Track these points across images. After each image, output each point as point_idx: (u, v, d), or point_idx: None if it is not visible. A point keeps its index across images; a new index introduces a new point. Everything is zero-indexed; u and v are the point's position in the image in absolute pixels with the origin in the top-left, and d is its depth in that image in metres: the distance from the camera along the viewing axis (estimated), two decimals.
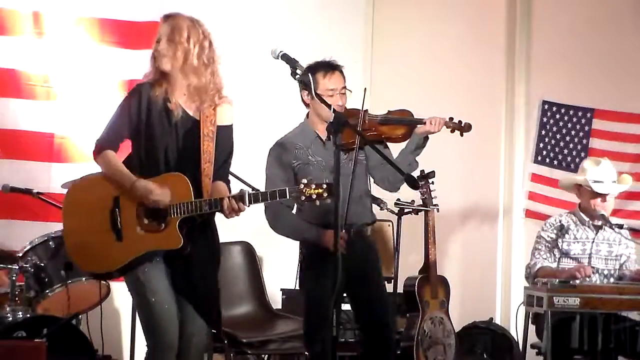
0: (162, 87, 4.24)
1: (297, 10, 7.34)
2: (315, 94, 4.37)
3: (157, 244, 4.20)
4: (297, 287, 5.99)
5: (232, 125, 4.36)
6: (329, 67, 5.00)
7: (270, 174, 4.97)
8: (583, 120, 7.11)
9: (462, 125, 5.20)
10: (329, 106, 4.42)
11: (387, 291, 5.33)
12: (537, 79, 7.33)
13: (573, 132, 7.15)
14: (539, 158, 7.27)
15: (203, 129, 4.26)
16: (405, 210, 6.49)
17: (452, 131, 5.20)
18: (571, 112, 7.18)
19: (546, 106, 7.26)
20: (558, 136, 7.20)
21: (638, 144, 6.91)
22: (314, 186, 4.12)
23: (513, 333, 6.47)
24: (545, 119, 7.26)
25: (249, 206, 4.17)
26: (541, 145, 7.27)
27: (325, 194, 4.12)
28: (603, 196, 5.86)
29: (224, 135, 4.32)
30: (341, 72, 5.02)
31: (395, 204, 6.27)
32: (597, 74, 7.03)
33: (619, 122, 6.97)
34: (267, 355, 6.30)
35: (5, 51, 6.49)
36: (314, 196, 4.13)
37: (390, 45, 7.56)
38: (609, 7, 7.06)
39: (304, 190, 4.13)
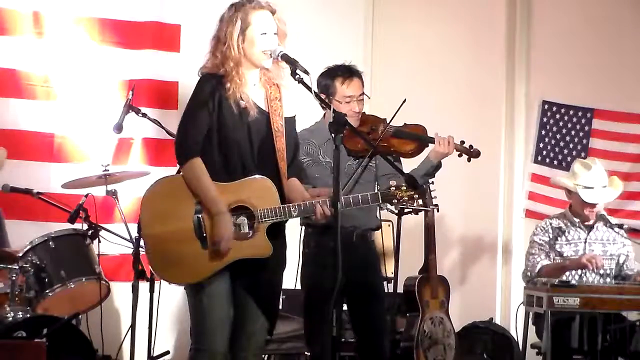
0: (234, 81, 4.07)
1: (297, 10, 7.32)
2: (317, 96, 4.25)
3: (246, 252, 4.02)
4: (297, 287, 6.01)
5: (295, 115, 4.27)
6: (348, 73, 4.96)
7: None
8: (583, 120, 7.11)
9: (471, 150, 5.15)
10: (328, 107, 4.40)
11: (385, 291, 5.31)
12: (537, 79, 7.32)
13: (573, 132, 7.14)
14: (539, 158, 7.26)
15: (273, 124, 4.14)
16: (405, 211, 6.47)
17: (460, 155, 5.15)
18: (571, 112, 7.17)
19: (546, 106, 7.26)
20: (558, 136, 7.19)
21: (638, 144, 6.90)
22: (404, 188, 4.03)
23: (513, 333, 6.47)
24: (545, 119, 7.25)
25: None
26: (541, 145, 7.26)
27: (417, 196, 4.04)
28: (593, 205, 5.83)
29: (291, 127, 4.23)
30: (360, 78, 4.98)
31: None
32: (597, 74, 7.02)
33: (619, 122, 6.97)
34: (267, 355, 6.30)
35: (5, 51, 6.49)
36: (405, 198, 4.05)
37: (390, 45, 7.56)
38: (609, 7, 7.06)
39: (395, 194, 4.03)
